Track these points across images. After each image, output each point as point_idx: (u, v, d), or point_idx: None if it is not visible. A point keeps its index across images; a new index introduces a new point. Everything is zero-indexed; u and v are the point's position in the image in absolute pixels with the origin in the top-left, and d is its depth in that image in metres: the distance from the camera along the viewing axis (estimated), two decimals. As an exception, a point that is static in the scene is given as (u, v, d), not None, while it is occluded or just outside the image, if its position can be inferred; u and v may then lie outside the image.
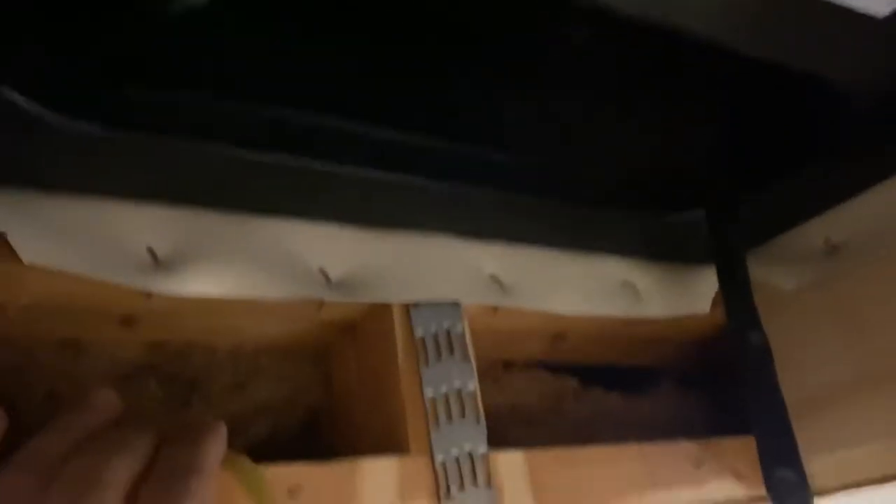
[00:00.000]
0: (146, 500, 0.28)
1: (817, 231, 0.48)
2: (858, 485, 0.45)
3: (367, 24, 0.41)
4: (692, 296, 0.51)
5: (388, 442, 0.39)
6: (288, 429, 0.44)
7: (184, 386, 0.42)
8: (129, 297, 0.35)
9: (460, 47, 0.44)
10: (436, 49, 0.44)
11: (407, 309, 0.41)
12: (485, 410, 0.41)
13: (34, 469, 0.28)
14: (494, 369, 0.54)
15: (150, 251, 0.35)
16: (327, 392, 0.46)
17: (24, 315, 0.36)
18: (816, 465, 0.46)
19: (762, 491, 0.47)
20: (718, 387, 0.60)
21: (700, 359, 0.60)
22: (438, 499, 0.37)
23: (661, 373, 0.61)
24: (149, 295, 0.36)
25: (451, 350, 0.41)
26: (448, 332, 0.41)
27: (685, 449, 0.47)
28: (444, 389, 0.40)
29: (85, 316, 0.38)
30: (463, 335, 0.42)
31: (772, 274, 0.50)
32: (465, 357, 0.41)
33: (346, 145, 0.41)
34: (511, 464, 0.40)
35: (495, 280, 0.44)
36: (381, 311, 0.41)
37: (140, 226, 0.35)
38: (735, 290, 0.48)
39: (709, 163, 0.52)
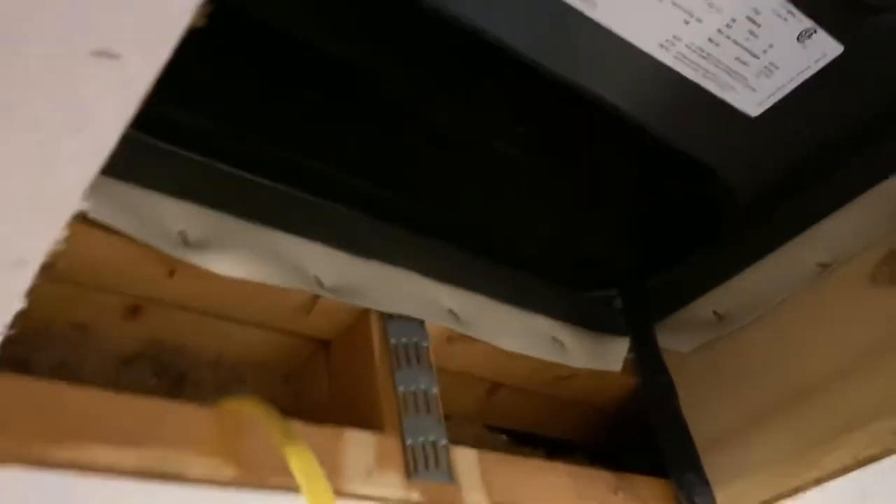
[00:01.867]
0: None
1: (707, 304, 0.59)
2: (752, 509, 0.53)
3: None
4: (608, 355, 0.60)
5: (366, 422, 0.44)
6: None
7: (175, 378, 0.46)
8: (157, 269, 0.41)
9: (428, 141, 0.56)
10: (410, 138, 0.55)
11: (383, 319, 0.48)
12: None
13: None
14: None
15: (182, 234, 0.42)
16: (297, 406, 0.51)
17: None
18: (720, 496, 0.54)
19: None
20: (621, 462, 0.68)
21: (608, 436, 0.68)
22: (408, 473, 0.43)
23: (576, 445, 0.68)
24: (172, 272, 0.42)
25: (419, 360, 0.48)
26: (416, 344, 0.48)
27: (605, 476, 0.53)
28: (412, 388, 0.46)
29: (102, 297, 0.43)
30: (427, 349, 0.49)
31: (672, 341, 0.60)
32: (429, 367, 0.48)
33: (330, 187, 0.50)
34: (467, 459, 0.46)
35: (452, 313, 0.52)
36: (361, 321, 0.48)
37: (175, 214, 0.42)
38: (646, 349, 0.58)
39: (620, 249, 0.64)
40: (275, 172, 0.48)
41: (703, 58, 0.44)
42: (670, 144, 0.50)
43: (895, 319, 0.49)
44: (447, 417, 0.61)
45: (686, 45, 0.43)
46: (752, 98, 0.47)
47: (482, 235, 0.58)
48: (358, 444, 0.42)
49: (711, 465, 0.54)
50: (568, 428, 0.67)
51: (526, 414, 0.64)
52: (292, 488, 0.34)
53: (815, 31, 0.44)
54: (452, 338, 0.53)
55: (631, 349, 0.61)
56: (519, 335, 0.56)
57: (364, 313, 0.48)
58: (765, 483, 0.53)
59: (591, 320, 0.61)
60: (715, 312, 0.59)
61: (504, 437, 0.63)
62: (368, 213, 0.51)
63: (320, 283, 0.46)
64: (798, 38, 0.44)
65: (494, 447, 0.61)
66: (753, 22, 0.43)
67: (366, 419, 0.44)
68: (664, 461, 0.54)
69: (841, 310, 0.52)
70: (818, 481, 0.51)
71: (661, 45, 0.43)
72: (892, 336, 0.49)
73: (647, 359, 0.57)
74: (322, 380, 0.50)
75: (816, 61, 0.45)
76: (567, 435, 0.68)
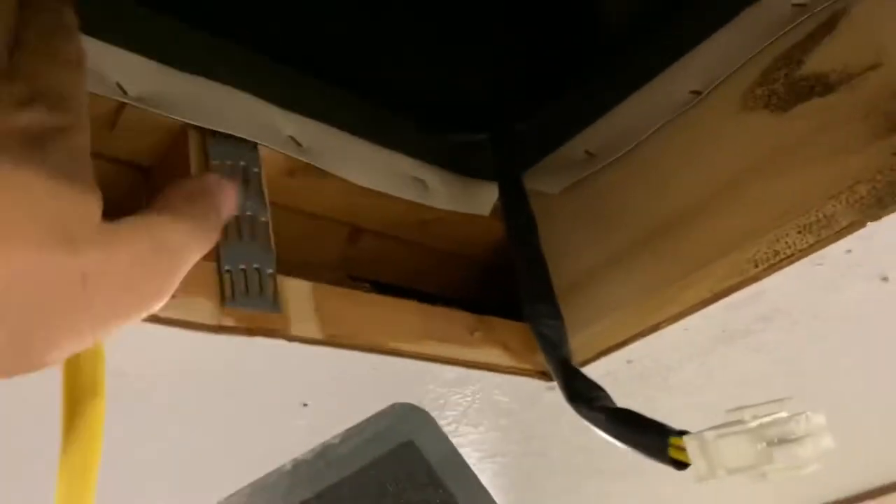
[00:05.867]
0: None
1: (579, 144, 0.56)
2: (609, 350, 0.51)
3: None
4: (475, 199, 0.57)
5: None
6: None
7: None
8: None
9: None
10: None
11: (204, 137, 0.43)
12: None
13: None
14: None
15: None
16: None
17: None
18: (576, 341, 0.52)
19: (526, 365, 0.52)
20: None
21: (480, 290, 0.66)
22: (223, 298, 0.39)
23: (447, 299, 0.65)
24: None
25: (247, 185, 0.43)
26: (245, 168, 0.44)
27: (461, 316, 0.51)
28: (236, 213, 0.42)
29: None
30: (259, 174, 0.44)
31: (543, 183, 0.57)
32: (260, 193, 0.43)
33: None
34: (298, 290, 0.43)
35: (293, 140, 0.47)
36: (179, 140, 0.43)
37: None
38: (510, 191, 0.55)
39: (489, 89, 0.59)
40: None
41: None
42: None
43: (762, 144, 0.46)
44: (305, 265, 0.58)
45: None
46: None
47: (336, 62, 0.53)
48: (159, 265, 0.37)
49: (572, 307, 0.52)
50: (438, 280, 0.64)
51: (392, 264, 0.60)
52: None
53: None
54: (296, 171, 0.48)
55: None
56: (375, 171, 0.51)
57: (182, 132, 0.42)
58: (623, 322, 0.51)
59: (457, 163, 0.57)
60: (587, 151, 0.56)
61: (368, 286, 0.59)
62: (191, 21, 0.45)
63: (123, 91, 0.40)
64: None
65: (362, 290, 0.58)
66: None
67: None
68: (519, 300, 0.51)
69: (709, 138, 0.49)
70: (678, 317, 0.49)
71: None
72: (758, 162, 0.46)
73: (510, 201, 0.54)
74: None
75: None
76: (437, 289, 0.65)
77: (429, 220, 0.56)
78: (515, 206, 0.53)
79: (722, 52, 0.49)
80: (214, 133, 0.43)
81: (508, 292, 0.59)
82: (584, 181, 0.55)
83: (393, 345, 0.46)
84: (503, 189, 0.56)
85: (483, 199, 0.57)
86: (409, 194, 0.53)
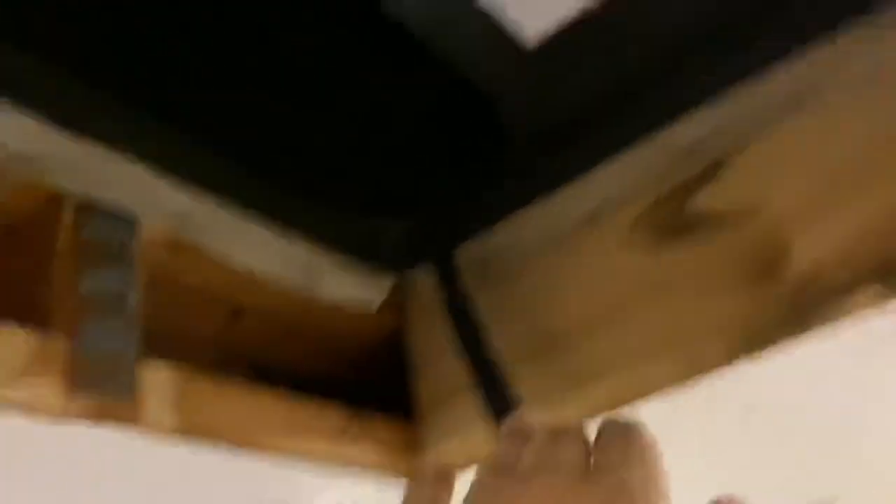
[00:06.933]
0: None
1: (476, 247, 0.56)
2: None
3: None
4: (367, 292, 0.56)
5: (31, 319, 0.37)
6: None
7: None
8: None
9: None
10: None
11: (79, 206, 0.40)
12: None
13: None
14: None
15: None
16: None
17: None
18: (450, 449, 0.51)
19: (399, 464, 0.51)
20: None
21: (366, 382, 0.64)
22: (73, 382, 0.36)
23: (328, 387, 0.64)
24: None
25: (120, 260, 0.41)
26: (120, 242, 0.41)
27: (335, 411, 0.49)
28: (103, 289, 0.40)
29: None
30: (132, 249, 0.42)
31: (427, 286, 0.56)
32: (131, 269, 0.41)
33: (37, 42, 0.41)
34: (159, 377, 0.40)
35: (178, 215, 0.46)
36: (51, 204, 0.40)
37: None
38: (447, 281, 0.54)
39: (395, 179, 0.59)
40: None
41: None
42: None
43: (644, 275, 0.48)
44: (181, 342, 0.55)
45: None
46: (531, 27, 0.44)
47: (234, 133, 0.51)
48: (6, 342, 0.35)
49: (449, 417, 0.51)
50: (318, 368, 0.62)
51: (273, 347, 0.58)
52: None
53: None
54: (178, 246, 0.46)
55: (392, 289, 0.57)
56: (264, 253, 0.50)
57: (56, 197, 0.40)
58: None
59: (354, 251, 0.56)
60: (482, 256, 0.56)
61: (243, 369, 0.57)
62: (83, 76, 0.43)
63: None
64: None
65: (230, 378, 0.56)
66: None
67: (31, 315, 0.37)
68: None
69: (596, 262, 0.50)
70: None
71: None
72: (639, 292, 0.48)
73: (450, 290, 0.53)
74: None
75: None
76: (318, 376, 0.63)
77: (315, 307, 0.55)
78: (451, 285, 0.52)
79: (616, 179, 0.51)
80: (92, 202, 0.41)
81: (391, 387, 0.58)
82: (478, 288, 0.55)
83: (256, 439, 0.44)
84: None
85: (375, 291, 0.56)
86: (298, 281, 0.52)
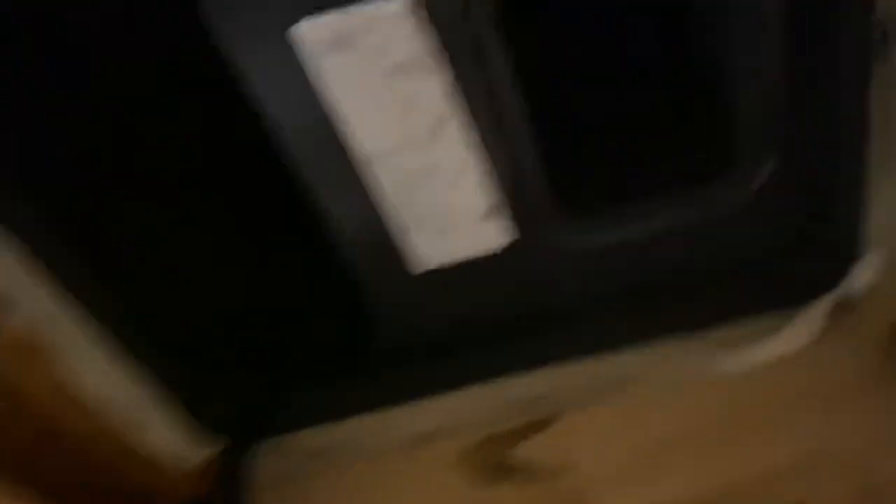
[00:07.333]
0: None
1: (306, 440, 0.57)
2: None
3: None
4: (183, 451, 0.55)
5: None
6: None
7: None
8: None
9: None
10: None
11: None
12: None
13: None
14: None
15: None
16: None
17: None
18: None
19: None
20: None
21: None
22: None
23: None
24: None
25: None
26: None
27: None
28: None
29: None
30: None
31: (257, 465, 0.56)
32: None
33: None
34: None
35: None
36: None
37: None
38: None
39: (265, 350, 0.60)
40: None
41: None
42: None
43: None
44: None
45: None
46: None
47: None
48: None
49: None
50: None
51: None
52: None
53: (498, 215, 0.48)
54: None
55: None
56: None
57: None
58: None
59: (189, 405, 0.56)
60: (306, 452, 0.57)
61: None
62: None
63: None
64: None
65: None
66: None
67: None
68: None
69: (418, 484, 0.53)
70: None
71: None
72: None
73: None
74: None
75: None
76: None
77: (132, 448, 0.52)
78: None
79: (456, 410, 0.55)
80: None
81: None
82: (293, 483, 0.55)
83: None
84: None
85: (190, 457, 0.55)
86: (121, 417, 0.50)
